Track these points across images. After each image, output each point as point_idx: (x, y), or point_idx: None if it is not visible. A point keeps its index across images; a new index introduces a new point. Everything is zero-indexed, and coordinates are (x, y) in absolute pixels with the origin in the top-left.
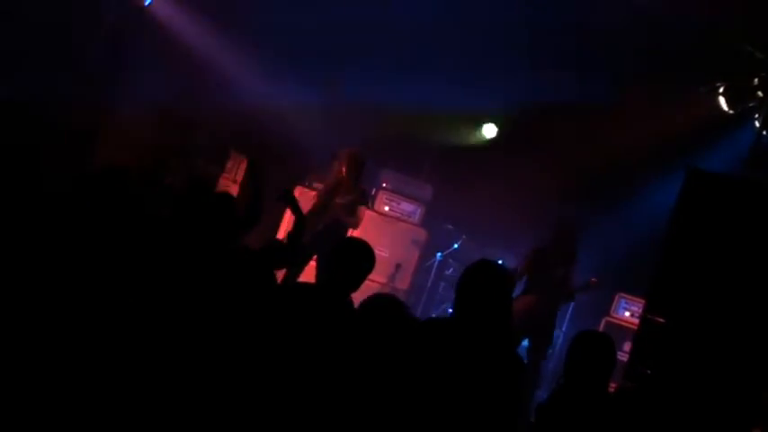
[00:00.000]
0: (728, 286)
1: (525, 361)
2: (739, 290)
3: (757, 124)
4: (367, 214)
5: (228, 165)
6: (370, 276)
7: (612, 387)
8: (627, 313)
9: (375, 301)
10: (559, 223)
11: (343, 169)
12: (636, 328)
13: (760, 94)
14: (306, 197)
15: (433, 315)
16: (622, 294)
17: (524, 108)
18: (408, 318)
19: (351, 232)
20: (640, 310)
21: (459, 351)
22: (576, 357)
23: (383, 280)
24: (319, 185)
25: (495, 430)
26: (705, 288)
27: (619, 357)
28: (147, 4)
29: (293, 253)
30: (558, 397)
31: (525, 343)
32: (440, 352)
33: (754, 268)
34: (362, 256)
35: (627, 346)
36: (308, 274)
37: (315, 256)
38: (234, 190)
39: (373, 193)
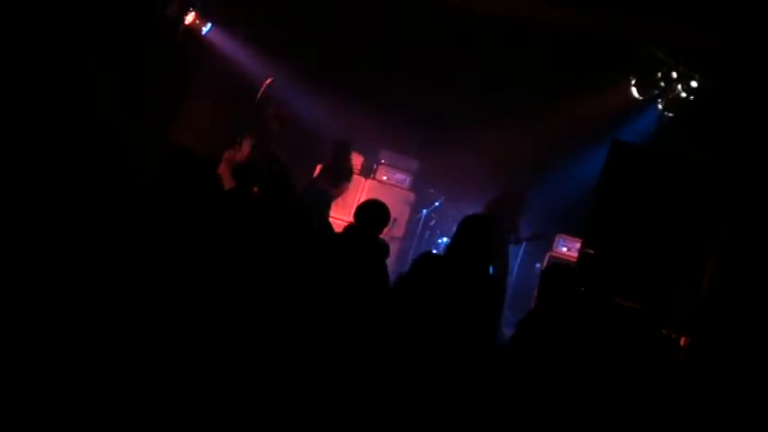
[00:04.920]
0: (643, 224)
1: None
2: (652, 225)
3: (660, 107)
4: (369, 182)
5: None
6: None
7: None
8: (564, 249)
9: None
10: (509, 188)
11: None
12: (574, 259)
13: (662, 84)
14: None
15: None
16: (561, 235)
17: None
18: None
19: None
20: (575, 246)
21: (455, 275)
22: (548, 282)
23: (387, 229)
24: None
25: (483, 328)
26: (624, 226)
27: None
28: (205, 32)
29: None
30: (536, 314)
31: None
32: (440, 275)
33: (662, 211)
34: (384, 213)
35: None
36: None
37: None
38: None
39: (375, 167)
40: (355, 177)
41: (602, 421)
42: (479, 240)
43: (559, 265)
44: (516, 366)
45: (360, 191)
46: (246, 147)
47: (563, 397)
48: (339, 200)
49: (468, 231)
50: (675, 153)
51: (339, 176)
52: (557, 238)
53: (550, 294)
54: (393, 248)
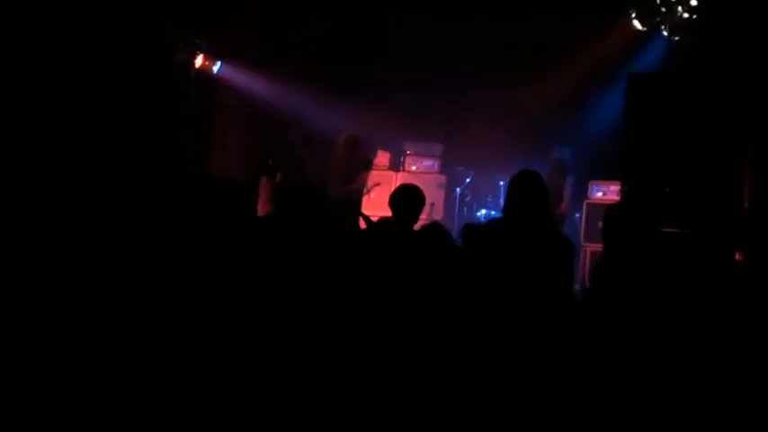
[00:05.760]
0: (675, 151)
1: None
2: (683, 150)
3: (665, 33)
4: (400, 175)
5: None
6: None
7: None
8: (600, 194)
9: (433, 226)
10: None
11: (338, 151)
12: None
13: (663, 9)
14: None
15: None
16: (593, 181)
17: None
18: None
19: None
20: (610, 189)
21: (519, 235)
22: (614, 223)
23: (425, 216)
24: None
25: (561, 291)
26: (658, 156)
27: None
28: (216, 71)
29: None
30: (610, 260)
31: None
32: (501, 240)
33: (690, 134)
34: (419, 199)
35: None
36: None
37: None
38: None
39: (402, 159)
40: (386, 173)
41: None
42: (536, 194)
43: (620, 205)
44: (607, 318)
45: (393, 185)
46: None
47: (662, 344)
48: (372, 196)
49: (522, 187)
50: (692, 74)
51: (353, 169)
52: (590, 186)
53: (619, 236)
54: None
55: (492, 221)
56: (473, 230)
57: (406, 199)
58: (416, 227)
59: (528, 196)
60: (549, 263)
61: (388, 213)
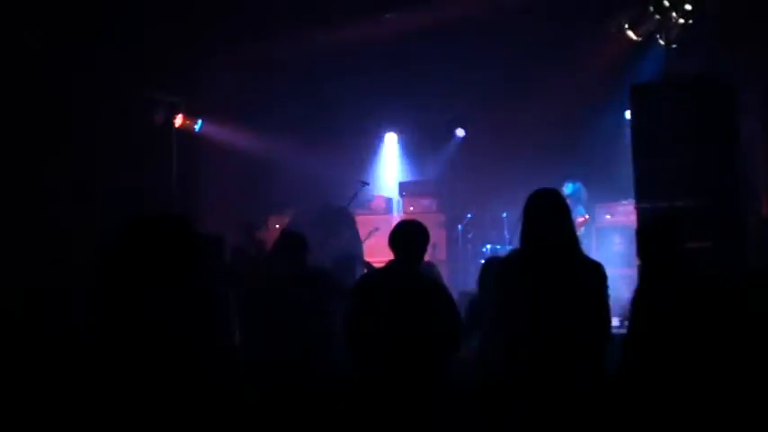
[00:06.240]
0: (687, 162)
1: None
2: (696, 160)
3: (661, 42)
4: (398, 218)
5: None
6: None
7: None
8: (607, 216)
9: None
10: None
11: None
12: (616, 224)
13: (657, 17)
14: None
15: (471, 270)
16: (599, 205)
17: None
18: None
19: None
20: (618, 210)
21: (549, 267)
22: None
23: (428, 257)
24: None
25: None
26: (671, 170)
27: (614, 249)
28: (197, 130)
29: None
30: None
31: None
32: (534, 271)
33: (702, 143)
34: (422, 234)
35: (617, 239)
36: None
37: None
38: None
39: (399, 201)
40: (383, 218)
41: None
42: (559, 214)
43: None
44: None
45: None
46: (273, 227)
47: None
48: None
49: (543, 208)
50: (695, 79)
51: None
52: (596, 210)
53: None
54: (442, 272)
55: (513, 252)
56: (495, 264)
57: (408, 236)
58: None
59: (550, 218)
60: (585, 293)
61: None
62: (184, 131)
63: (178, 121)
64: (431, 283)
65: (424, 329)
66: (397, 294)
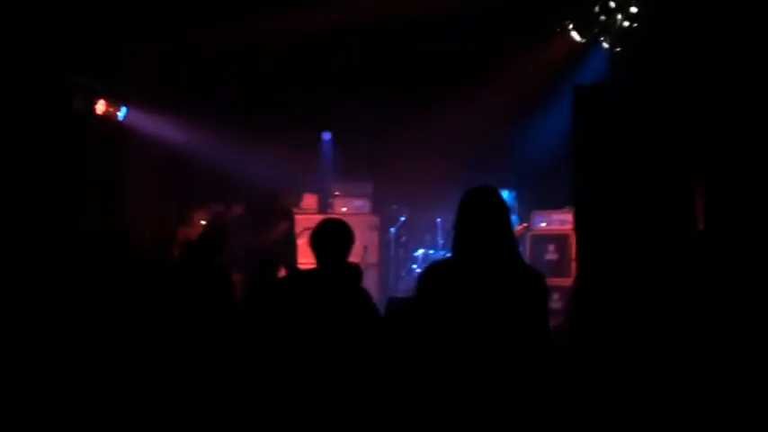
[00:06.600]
0: (628, 169)
1: None
2: (637, 167)
3: (606, 45)
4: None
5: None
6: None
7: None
8: (543, 224)
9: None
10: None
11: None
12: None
13: (603, 18)
14: None
15: (402, 274)
16: (535, 212)
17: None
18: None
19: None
20: (553, 219)
21: (486, 275)
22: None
23: (357, 260)
24: None
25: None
26: (611, 175)
27: (547, 257)
28: (121, 118)
29: None
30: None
31: None
32: (469, 281)
33: (644, 150)
34: (344, 234)
35: (551, 248)
36: None
37: None
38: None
39: (330, 201)
40: (314, 217)
41: None
42: (497, 216)
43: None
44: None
45: None
46: (197, 222)
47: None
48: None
49: (479, 208)
50: (638, 84)
51: (266, 219)
52: (532, 217)
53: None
54: (373, 276)
55: (446, 259)
56: (429, 273)
57: (328, 236)
58: None
59: (488, 220)
60: (524, 304)
61: None
62: (107, 119)
63: (100, 107)
64: (348, 287)
65: (339, 334)
66: (310, 298)
